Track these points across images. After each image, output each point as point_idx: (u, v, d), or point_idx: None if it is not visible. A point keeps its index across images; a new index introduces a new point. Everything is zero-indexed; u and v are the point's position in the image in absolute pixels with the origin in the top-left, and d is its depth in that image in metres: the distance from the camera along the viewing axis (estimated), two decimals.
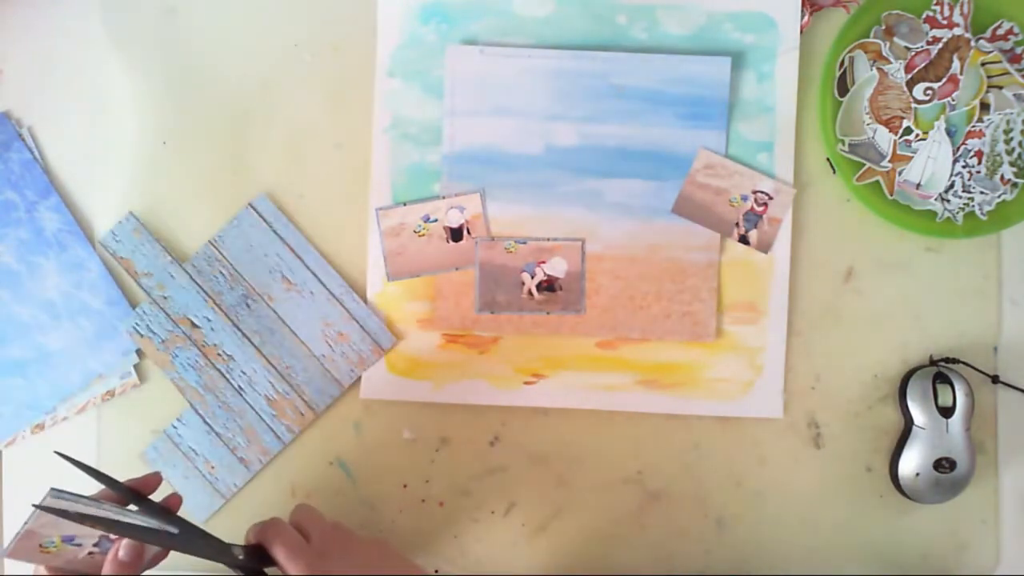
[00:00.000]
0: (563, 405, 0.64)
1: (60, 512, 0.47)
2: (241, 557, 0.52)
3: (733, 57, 0.63)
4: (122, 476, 0.65)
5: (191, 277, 0.63)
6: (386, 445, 0.65)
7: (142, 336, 0.64)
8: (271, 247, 0.64)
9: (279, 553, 0.51)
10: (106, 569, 0.50)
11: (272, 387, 0.64)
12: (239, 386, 0.64)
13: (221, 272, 0.63)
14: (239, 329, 0.63)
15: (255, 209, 0.64)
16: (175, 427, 0.64)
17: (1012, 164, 0.62)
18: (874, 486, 0.65)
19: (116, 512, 0.49)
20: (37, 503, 0.47)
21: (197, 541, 0.52)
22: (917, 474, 0.62)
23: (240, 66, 0.65)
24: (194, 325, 0.63)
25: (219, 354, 0.64)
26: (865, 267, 0.65)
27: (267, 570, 0.53)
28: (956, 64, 0.62)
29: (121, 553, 0.50)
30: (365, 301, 0.64)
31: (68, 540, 0.49)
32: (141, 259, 0.64)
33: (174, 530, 0.50)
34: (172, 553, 0.58)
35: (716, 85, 0.63)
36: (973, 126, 0.62)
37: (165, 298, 0.63)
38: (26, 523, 0.48)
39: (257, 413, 0.64)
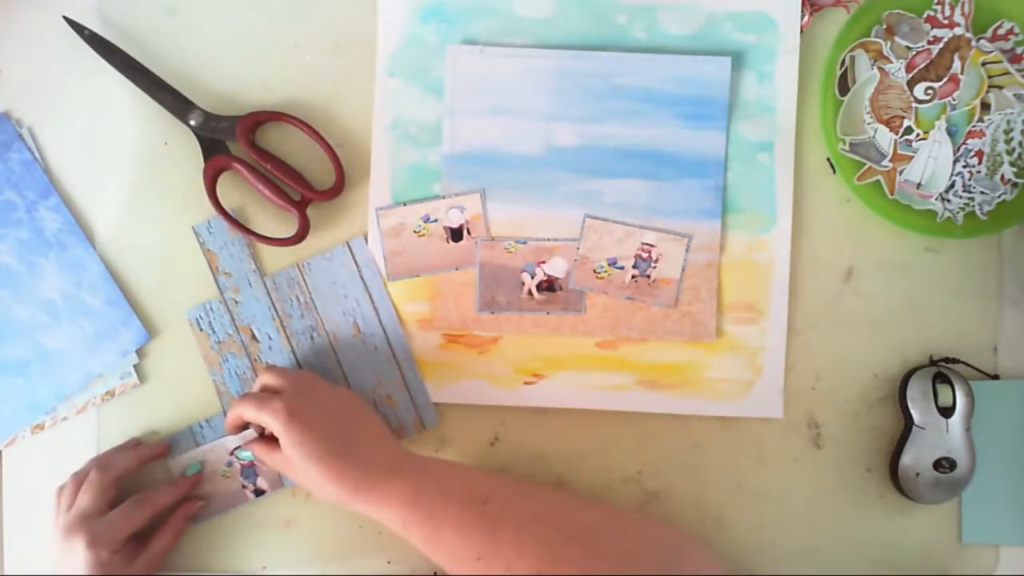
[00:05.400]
0: (563, 405, 0.64)
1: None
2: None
3: (733, 57, 0.63)
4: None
5: (267, 291, 0.63)
6: None
7: (200, 330, 0.63)
8: (353, 291, 0.63)
9: (260, 416, 0.56)
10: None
11: None
12: None
13: (298, 297, 0.63)
14: (295, 357, 0.63)
15: (350, 249, 0.63)
16: (201, 426, 0.64)
17: (1012, 164, 0.62)
18: (874, 486, 0.65)
19: None
20: None
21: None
22: (917, 474, 0.62)
23: (240, 66, 0.65)
24: (254, 338, 0.63)
25: None
26: (865, 267, 0.65)
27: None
28: (957, 64, 0.62)
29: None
30: (423, 376, 0.64)
31: (612, 263, 0.56)
32: (226, 257, 0.63)
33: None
34: (177, 554, 0.59)
35: (716, 85, 0.63)
36: (974, 126, 0.62)
37: (236, 302, 0.63)
38: None
39: None
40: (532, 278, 0.64)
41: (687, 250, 0.63)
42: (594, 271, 0.64)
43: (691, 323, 0.64)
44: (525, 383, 0.64)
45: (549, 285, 0.64)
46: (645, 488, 0.65)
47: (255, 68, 0.65)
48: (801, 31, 0.63)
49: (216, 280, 0.63)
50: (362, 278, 0.63)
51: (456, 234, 0.64)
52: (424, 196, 0.64)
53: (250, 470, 0.63)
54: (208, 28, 0.65)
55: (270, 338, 0.63)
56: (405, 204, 0.64)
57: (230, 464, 0.63)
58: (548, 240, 0.64)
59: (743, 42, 0.64)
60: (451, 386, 0.64)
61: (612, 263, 0.64)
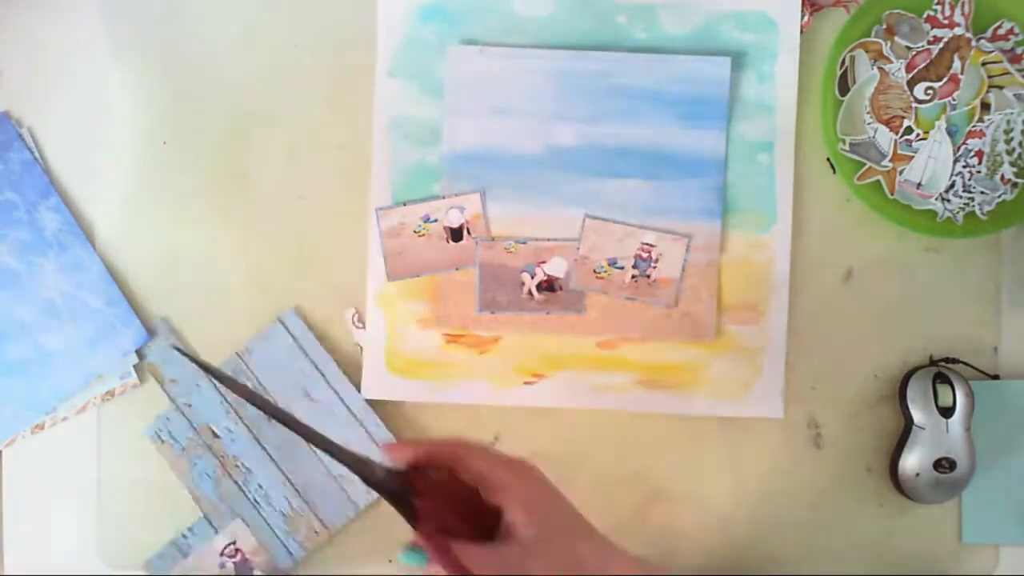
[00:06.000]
0: (563, 405, 0.64)
1: (194, 360, 0.48)
2: (382, 475, 0.44)
3: (733, 57, 0.63)
4: (122, 474, 0.65)
5: (216, 388, 0.63)
6: None
7: (163, 442, 0.63)
8: (296, 363, 0.63)
9: (515, 507, 0.42)
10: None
11: (288, 503, 0.63)
12: (255, 500, 0.63)
13: (246, 384, 0.63)
14: (259, 442, 0.63)
15: (284, 325, 0.63)
16: (185, 537, 0.63)
17: (1012, 164, 0.62)
18: (874, 486, 0.65)
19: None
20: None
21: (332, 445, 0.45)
22: (917, 474, 0.62)
23: (240, 66, 0.65)
24: (215, 435, 0.63)
25: (237, 465, 0.63)
26: (865, 267, 0.65)
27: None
28: (957, 64, 0.62)
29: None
30: (387, 427, 0.63)
31: (611, 263, 0.53)
32: (170, 367, 0.63)
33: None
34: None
35: (716, 85, 0.63)
36: (974, 126, 0.62)
37: (189, 406, 0.63)
38: None
39: (271, 528, 0.63)
40: (532, 278, 0.64)
41: (687, 250, 0.63)
42: (594, 271, 0.64)
43: (691, 323, 0.64)
44: (525, 383, 0.64)
45: (549, 285, 0.64)
46: (645, 488, 0.65)
47: (255, 68, 0.65)
48: (801, 31, 0.63)
49: (164, 389, 0.63)
50: (301, 347, 0.63)
51: (456, 234, 0.64)
52: (424, 196, 0.64)
53: (244, 566, 0.63)
54: (208, 28, 0.65)
55: (230, 431, 0.63)
56: (405, 204, 0.64)
57: (223, 565, 0.63)
58: (548, 240, 0.64)
59: (743, 42, 0.64)
60: (451, 386, 0.64)
61: (612, 263, 0.64)
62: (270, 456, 0.63)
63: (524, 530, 0.42)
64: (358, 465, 0.44)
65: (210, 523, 0.63)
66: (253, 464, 0.63)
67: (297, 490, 0.63)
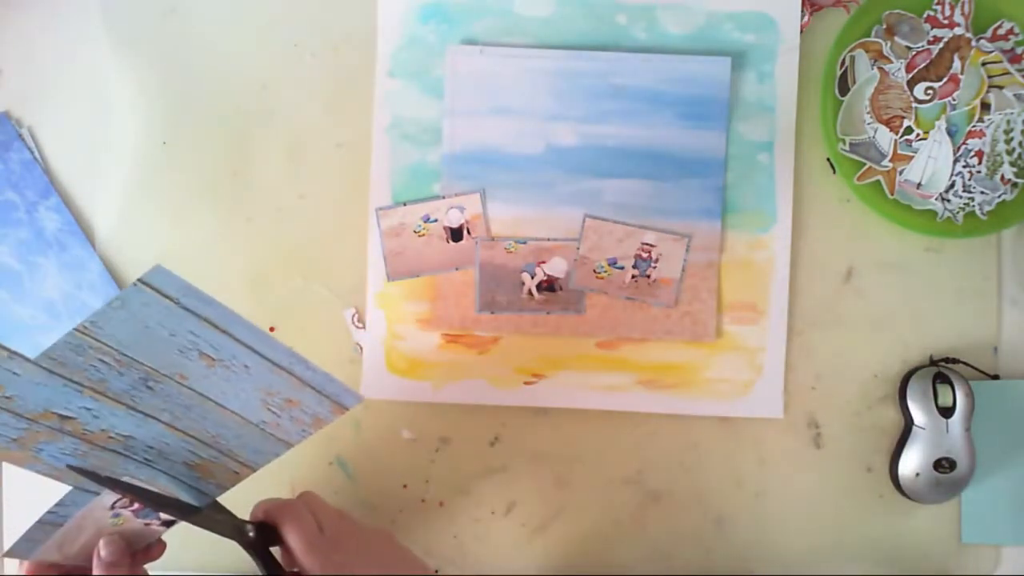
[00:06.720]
0: (563, 405, 0.64)
1: (89, 474, 0.49)
2: (252, 535, 0.53)
3: (733, 57, 0.63)
4: None
5: (50, 371, 0.48)
6: (386, 445, 0.65)
7: None
8: (180, 324, 0.48)
9: (294, 539, 0.51)
10: (95, 570, 0.51)
11: (193, 454, 0.54)
12: (146, 459, 0.53)
13: (101, 360, 0.49)
14: (137, 411, 0.51)
15: (150, 286, 0.47)
16: (53, 513, 0.51)
17: (1012, 164, 0.62)
18: (874, 486, 0.65)
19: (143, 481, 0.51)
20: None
21: (214, 516, 0.53)
22: (917, 474, 0.62)
23: (240, 66, 0.65)
24: (64, 417, 0.50)
25: (111, 437, 0.52)
26: (865, 267, 0.65)
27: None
28: (957, 64, 0.62)
29: (103, 553, 0.50)
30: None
31: (611, 263, 0.53)
32: None
33: (195, 503, 0.52)
34: (171, 552, 0.59)
35: (716, 85, 0.63)
36: (974, 126, 0.62)
37: (8, 398, 0.47)
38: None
39: (175, 477, 0.54)
40: (532, 278, 0.64)
41: (687, 250, 0.63)
42: (594, 271, 0.64)
43: (691, 323, 0.64)
44: (525, 383, 0.64)
45: (549, 285, 0.64)
46: (645, 488, 0.65)
47: (255, 68, 0.65)
48: (801, 31, 0.63)
49: None
50: (184, 307, 0.48)
51: (456, 234, 0.64)
52: (424, 196, 0.64)
53: (145, 511, 0.53)
54: (208, 28, 0.65)
55: (89, 409, 0.50)
56: (405, 204, 0.64)
57: (118, 515, 0.53)
58: (548, 240, 0.64)
59: (743, 42, 0.64)
60: (451, 386, 0.64)
61: (612, 263, 0.64)
62: (159, 419, 0.52)
63: (301, 557, 0.51)
64: (233, 531, 0.53)
65: (86, 491, 0.52)
66: (133, 431, 0.52)
67: (205, 442, 0.53)
